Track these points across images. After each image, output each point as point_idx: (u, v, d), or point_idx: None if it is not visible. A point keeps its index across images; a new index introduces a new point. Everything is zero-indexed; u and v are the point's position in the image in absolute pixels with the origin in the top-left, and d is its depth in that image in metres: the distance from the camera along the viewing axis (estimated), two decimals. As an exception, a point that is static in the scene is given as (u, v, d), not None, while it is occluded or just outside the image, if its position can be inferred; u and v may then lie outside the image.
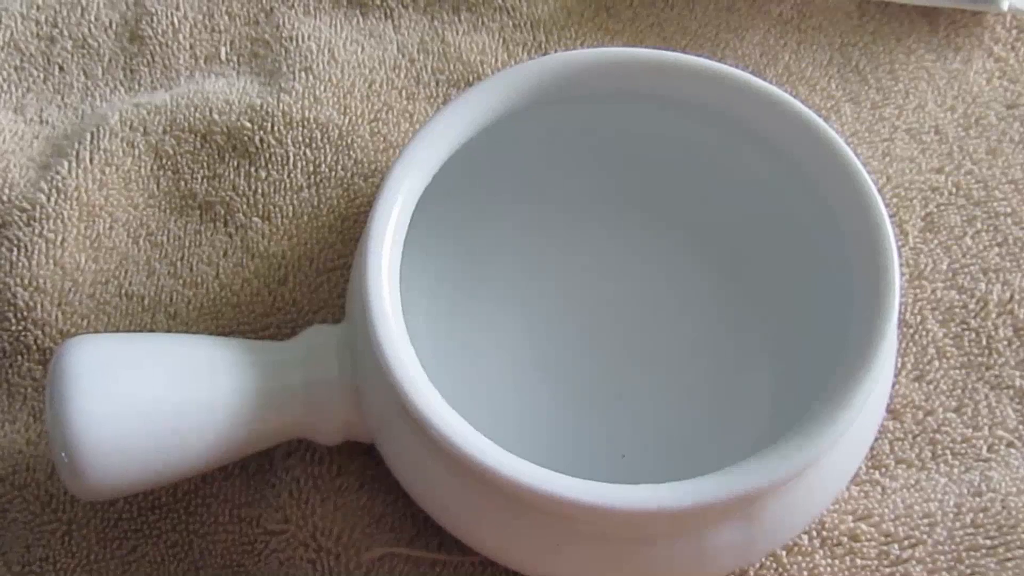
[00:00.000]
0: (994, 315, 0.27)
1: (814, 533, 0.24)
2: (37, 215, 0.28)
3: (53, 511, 0.25)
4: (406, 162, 0.23)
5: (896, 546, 0.24)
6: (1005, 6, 0.30)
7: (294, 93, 0.30)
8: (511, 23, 0.31)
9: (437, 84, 0.30)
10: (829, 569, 0.23)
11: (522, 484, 0.20)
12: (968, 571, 0.23)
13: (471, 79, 0.30)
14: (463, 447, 0.20)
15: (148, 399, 0.22)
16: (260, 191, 0.29)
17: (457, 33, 0.31)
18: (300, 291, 0.27)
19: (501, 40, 0.31)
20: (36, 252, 0.28)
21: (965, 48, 0.31)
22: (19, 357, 0.27)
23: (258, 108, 0.29)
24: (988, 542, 0.23)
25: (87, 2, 0.32)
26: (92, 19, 0.32)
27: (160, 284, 0.28)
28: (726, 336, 0.26)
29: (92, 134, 0.29)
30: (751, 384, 0.25)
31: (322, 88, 0.30)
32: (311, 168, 0.29)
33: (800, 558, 0.24)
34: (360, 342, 0.23)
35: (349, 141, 0.29)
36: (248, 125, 0.29)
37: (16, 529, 0.25)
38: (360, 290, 0.22)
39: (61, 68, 0.32)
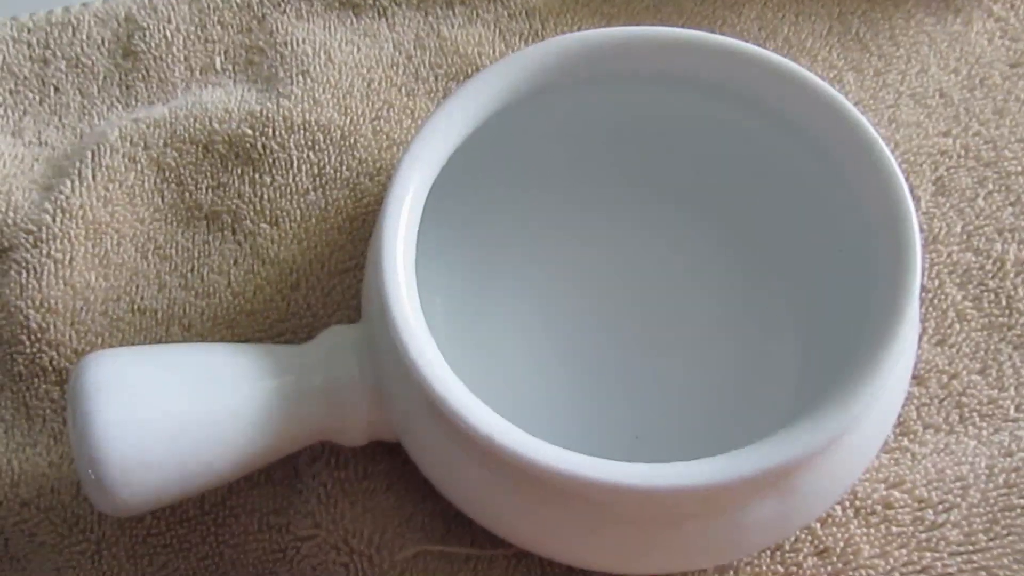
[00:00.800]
0: (1012, 275, 0.27)
1: (847, 503, 0.24)
2: (44, 236, 0.28)
3: (81, 531, 0.25)
4: (413, 157, 0.23)
5: (931, 511, 0.23)
6: None
7: (293, 97, 0.30)
8: (506, 13, 0.31)
9: (436, 79, 0.30)
10: (865, 538, 0.23)
11: (558, 470, 0.20)
12: (1005, 532, 0.23)
13: (470, 71, 0.30)
14: (495, 437, 0.20)
15: (170, 410, 0.22)
16: (266, 197, 0.28)
17: (452, 27, 0.31)
18: (313, 295, 0.27)
19: (497, 31, 0.31)
20: (45, 273, 0.27)
21: (965, 9, 0.31)
22: (35, 379, 0.27)
23: (258, 114, 0.29)
24: (1022, 501, 0.23)
25: (78, 21, 0.32)
26: (84, 38, 0.32)
27: (172, 297, 0.28)
28: (747, 313, 0.26)
29: (93, 152, 0.29)
30: (776, 359, 0.25)
31: (321, 90, 0.30)
32: (316, 171, 0.29)
33: (835, 529, 0.23)
34: (380, 340, 0.23)
35: (352, 141, 0.29)
36: (249, 132, 0.29)
37: (45, 552, 0.25)
38: (377, 288, 0.22)
39: (57, 89, 0.31)
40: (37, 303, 0.27)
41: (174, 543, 0.25)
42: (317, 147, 0.29)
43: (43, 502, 0.25)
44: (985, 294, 0.27)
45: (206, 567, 0.25)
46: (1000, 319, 0.26)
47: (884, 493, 0.24)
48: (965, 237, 0.27)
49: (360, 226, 0.28)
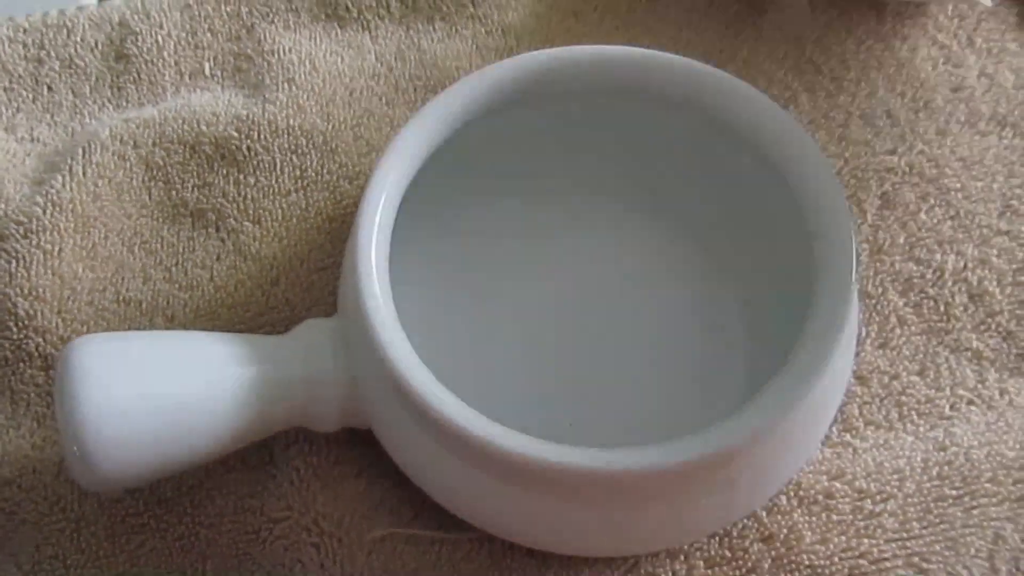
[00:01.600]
0: (950, 283, 0.28)
1: (791, 493, 0.25)
2: (34, 227, 0.29)
3: (61, 510, 0.26)
4: (389, 161, 0.25)
5: (869, 501, 0.25)
6: None
7: (278, 103, 0.31)
8: (483, 30, 0.33)
9: (415, 90, 0.32)
10: (807, 525, 0.25)
11: (514, 452, 0.21)
12: (937, 520, 0.25)
13: (447, 84, 0.31)
14: (456, 420, 0.21)
15: (153, 392, 0.23)
16: (249, 197, 0.30)
17: (432, 41, 0.33)
18: (293, 290, 0.28)
19: (474, 46, 0.32)
20: (34, 263, 0.29)
21: (911, 37, 0.32)
22: (21, 364, 0.28)
23: (244, 118, 0.30)
24: (954, 492, 0.25)
25: (73, 24, 0.33)
26: (78, 40, 0.33)
27: (156, 289, 0.29)
28: (700, 311, 0.27)
29: (84, 149, 0.30)
30: (726, 357, 0.26)
31: (305, 97, 0.31)
32: (298, 173, 0.30)
33: (779, 517, 0.25)
34: (354, 331, 0.24)
35: (333, 146, 0.30)
36: (235, 134, 0.30)
37: (25, 530, 0.26)
38: (352, 282, 0.23)
39: (50, 88, 0.33)
40: (25, 291, 0.28)
41: (151, 523, 0.26)
42: (300, 151, 0.30)
43: (25, 481, 0.26)
44: (925, 301, 0.28)
45: (182, 546, 0.26)
46: (939, 324, 0.28)
47: (826, 484, 0.25)
48: (908, 248, 0.29)
49: (339, 226, 0.29)
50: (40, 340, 0.28)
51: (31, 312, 0.28)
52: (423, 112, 0.25)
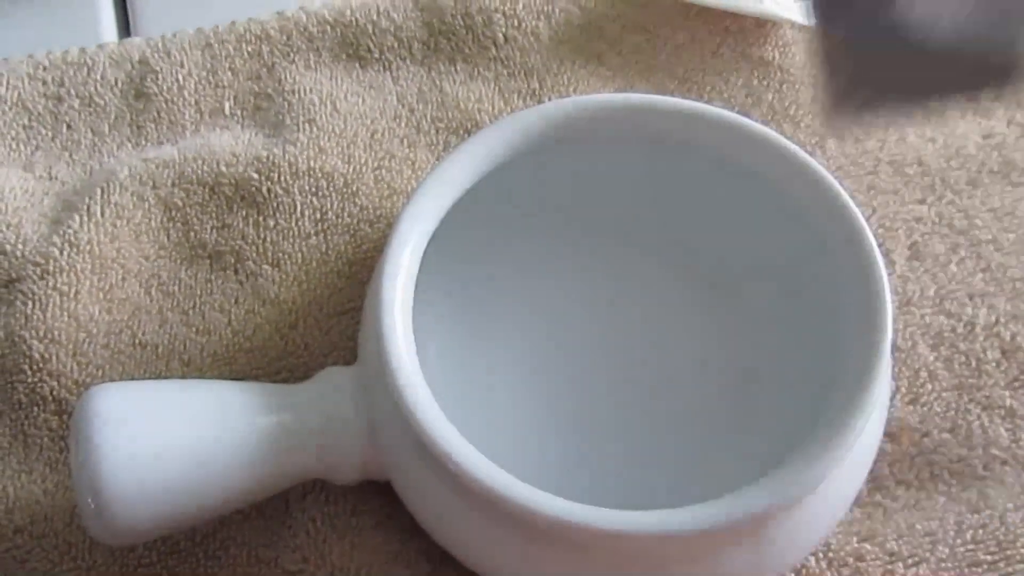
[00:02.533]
0: (981, 338, 0.28)
1: (820, 555, 0.25)
2: (51, 269, 0.29)
3: (72, 559, 0.26)
4: (415, 208, 0.24)
5: (900, 564, 0.24)
6: None
7: (299, 144, 0.31)
8: (506, 72, 0.32)
9: (437, 132, 0.31)
10: (837, 589, 0.24)
11: (539, 513, 0.21)
12: (971, 586, 0.24)
13: (469, 126, 0.31)
14: (482, 479, 0.21)
15: (170, 444, 0.23)
16: (269, 239, 0.29)
17: (454, 83, 0.32)
18: (311, 335, 0.28)
19: (497, 88, 0.32)
20: (50, 305, 0.28)
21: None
22: (35, 408, 0.27)
23: (264, 159, 0.30)
24: (988, 557, 0.24)
25: (93, 62, 0.33)
26: (98, 78, 0.33)
27: (173, 332, 0.28)
28: (727, 364, 0.27)
29: (102, 189, 0.30)
30: (754, 410, 0.26)
31: (326, 138, 0.31)
32: (318, 216, 0.30)
33: (808, 580, 0.24)
34: (375, 382, 0.24)
35: (354, 189, 0.30)
36: (255, 176, 0.30)
37: (35, 579, 0.26)
38: (374, 332, 0.23)
39: (69, 126, 0.33)
40: (41, 333, 0.28)
41: (164, 573, 0.26)
42: (320, 193, 0.30)
43: (36, 529, 0.26)
44: (956, 355, 0.28)
45: (195, 598, 0.25)
46: (970, 380, 0.27)
47: (856, 546, 0.25)
48: (938, 300, 0.29)
49: (359, 271, 0.29)
50: (55, 384, 0.28)
51: (46, 355, 0.28)
52: (449, 159, 0.25)
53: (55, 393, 0.27)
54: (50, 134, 0.32)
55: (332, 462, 0.24)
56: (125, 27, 0.36)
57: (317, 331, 0.28)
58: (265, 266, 0.29)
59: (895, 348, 0.28)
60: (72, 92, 0.33)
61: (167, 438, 0.23)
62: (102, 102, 0.33)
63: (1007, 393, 0.27)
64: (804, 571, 0.24)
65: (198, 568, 0.26)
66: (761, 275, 0.27)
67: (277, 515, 0.26)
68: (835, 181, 0.24)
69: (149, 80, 0.33)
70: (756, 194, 0.25)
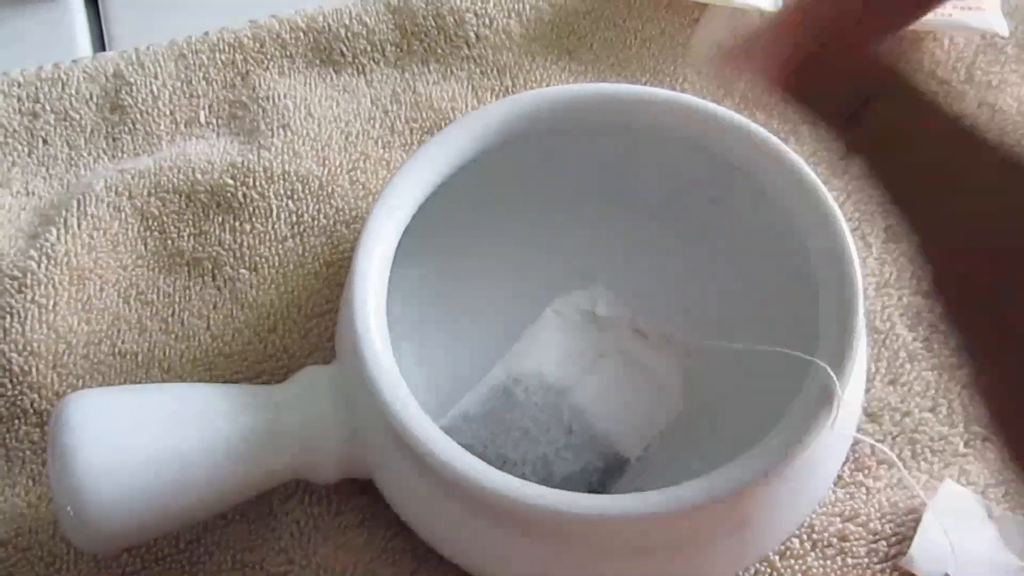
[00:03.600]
0: (960, 316, 0.28)
1: (804, 536, 0.25)
2: (28, 282, 0.29)
3: (57, 570, 0.26)
4: (385, 206, 0.24)
5: (884, 543, 0.24)
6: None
7: (273, 149, 0.31)
8: (479, 71, 0.33)
9: (411, 132, 0.31)
10: (821, 570, 0.24)
11: (519, 501, 0.21)
12: (956, 563, 0.24)
13: (443, 125, 0.31)
14: (461, 471, 0.21)
15: (150, 448, 0.23)
16: (246, 244, 0.29)
17: (428, 83, 0.32)
18: (290, 337, 0.28)
19: (470, 87, 0.32)
20: (29, 317, 0.28)
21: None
22: (16, 421, 0.27)
23: (239, 165, 0.30)
24: (972, 532, 0.24)
25: (68, 77, 0.33)
26: (73, 92, 0.33)
27: (152, 340, 0.28)
28: (701, 354, 0.27)
29: (79, 201, 0.30)
30: (730, 400, 0.26)
31: (300, 143, 0.31)
32: (294, 219, 0.30)
33: (792, 561, 0.24)
34: (354, 379, 0.24)
35: (329, 191, 0.30)
36: (230, 182, 0.30)
37: (21, 592, 0.25)
38: (350, 328, 0.23)
39: (45, 141, 0.33)
40: (20, 347, 0.28)
41: (149, 581, 0.25)
42: (296, 196, 0.30)
43: (21, 542, 0.26)
44: (935, 335, 0.28)
45: (181, 605, 0.25)
46: (950, 359, 0.27)
47: (840, 526, 0.25)
48: (915, 281, 0.28)
49: (336, 272, 0.29)
50: (35, 396, 0.27)
51: (26, 368, 0.28)
52: (418, 155, 0.25)
53: (35, 405, 0.27)
54: (26, 150, 0.32)
55: (313, 461, 0.24)
56: (100, 42, 0.36)
57: (296, 333, 0.28)
58: (243, 270, 0.29)
59: (873, 329, 0.28)
60: (47, 107, 0.33)
61: (146, 443, 0.23)
62: (77, 116, 0.33)
63: (987, 370, 0.27)
64: (788, 552, 0.24)
65: (183, 574, 0.25)
66: (736, 258, 0.27)
67: (260, 518, 0.26)
68: (807, 166, 0.24)
69: (124, 93, 0.33)
70: (727, 178, 0.26)
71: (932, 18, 0.31)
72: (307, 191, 0.30)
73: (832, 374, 0.21)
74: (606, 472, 0.24)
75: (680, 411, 0.25)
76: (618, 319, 0.26)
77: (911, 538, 0.24)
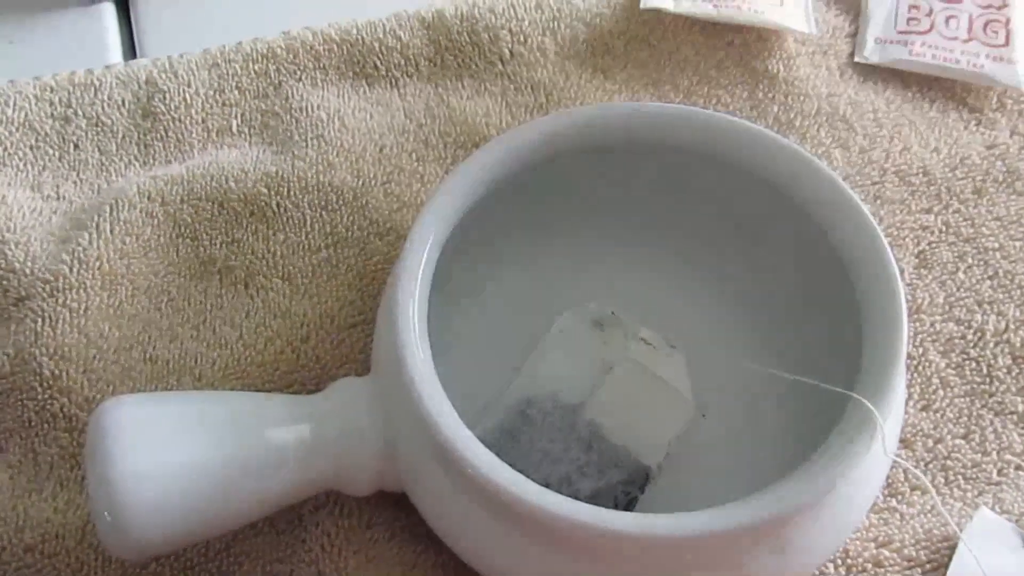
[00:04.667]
0: (992, 344, 0.28)
1: (839, 562, 0.24)
2: (60, 286, 0.29)
3: (84, 577, 0.25)
4: (428, 218, 0.24)
5: (919, 570, 0.24)
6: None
7: (307, 159, 0.31)
8: (512, 87, 0.33)
9: (445, 146, 0.32)
10: (857, 595, 0.24)
11: (559, 515, 0.20)
12: (990, 591, 0.24)
13: (477, 140, 0.31)
14: (498, 482, 0.21)
15: (187, 455, 0.22)
16: (279, 253, 0.29)
17: (461, 98, 0.33)
18: (323, 348, 0.28)
19: (504, 103, 0.32)
20: (60, 322, 0.28)
21: (939, 100, 0.33)
22: (45, 426, 0.27)
23: (273, 175, 0.30)
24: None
25: (100, 83, 0.33)
26: (105, 98, 0.33)
27: (184, 348, 0.28)
28: (739, 375, 0.27)
29: (111, 206, 0.30)
30: (766, 422, 0.26)
31: (334, 154, 0.31)
32: (328, 229, 0.30)
33: (828, 586, 0.24)
34: (392, 392, 0.23)
35: (364, 202, 0.30)
36: (264, 191, 0.30)
37: (46, 598, 0.25)
38: (392, 341, 0.23)
39: (76, 146, 0.33)
40: (51, 351, 0.28)
41: (177, 590, 0.25)
42: (330, 207, 0.30)
43: (48, 548, 0.26)
44: (967, 362, 0.28)
45: (208, 615, 0.25)
46: (982, 386, 0.28)
47: (874, 552, 0.25)
48: (947, 308, 0.29)
49: (370, 283, 0.29)
50: (65, 400, 0.27)
51: (56, 372, 0.28)
52: (461, 168, 0.25)
53: (65, 410, 0.27)
54: (57, 154, 0.32)
55: (348, 473, 0.24)
56: (131, 50, 0.36)
57: (328, 344, 0.28)
58: (276, 280, 0.29)
59: (907, 356, 0.28)
60: (79, 112, 0.33)
61: (184, 449, 0.22)
62: (109, 122, 0.33)
63: (1019, 399, 0.27)
64: (824, 577, 0.24)
65: (211, 584, 0.25)
66: (777, 283, 0.27)
67: (290, 529, 0.26)
68: (855, 195, 0.24)
69: (156, 100, 0.33)
70: (768, 200, 0.26)
71: (963, 68, 0.32)
72: (341, 202, 0.30)
73: (873, 408, 0.21)
74: (630, 483, 0.24)
75: (693, 414, 0.25)
76: (622, 328, 0.26)
77: (946, 565, 0.24)
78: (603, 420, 0.25)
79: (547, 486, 0.21)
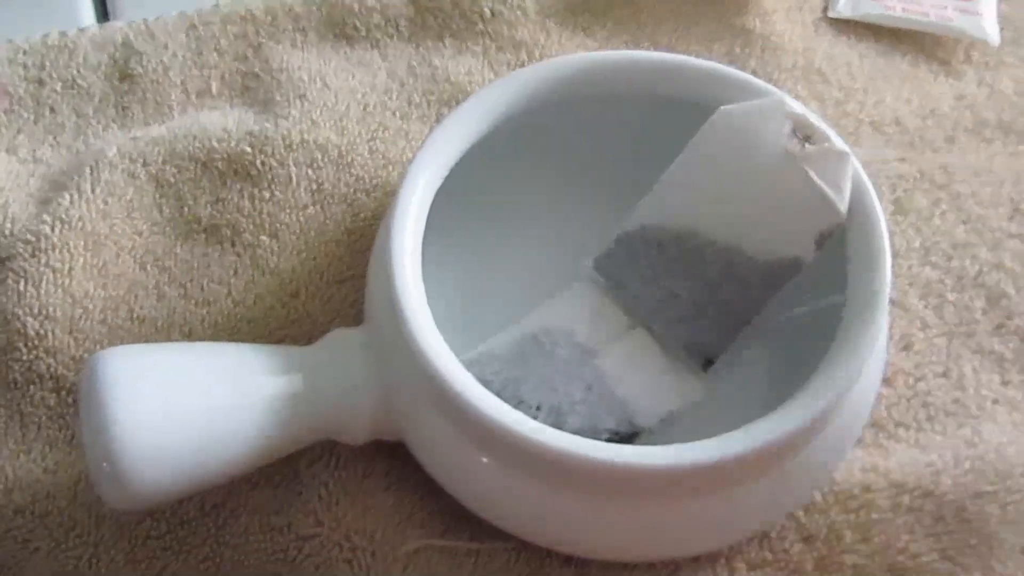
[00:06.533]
0: (968, 286, 0.29)
1: (827, 490, 0.25)
2: (42, 246, 0.28)
3: (78, 536, 0.25)
4: (420, 167, 0.24)
5: (907, 496, 0.25)
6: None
7: (291, 118, 0.31)
8: (494, 46, 0.33)
9: (429, 104, 0.32)
10: (846, 524, 0.25)
11: (559, 450, 0.21)
12: (972, 517, 0.25)
13: (461, 98, 0.32)
14: (500, 420, 0.21)
15: (183, 403, 0.22)
16: (265, 211, 0.29)
17: (443, 57, 0.33)
18: (313, 303, 0.28)
19: (486, 62, 0.33)
20: (44, 282, 0.28)
21: (911, 53, 0.33)
22: (31, 387, 0.27)
23: (257, 134, 0.30)
24: (990, 488, 0.25)
25: (75, 45, 0.33)
26: (80, 61, 0.33)
27: (172, 306, 0.28)
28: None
29: (91, 167, 0.30)
30: (747, 361, 0.26)
31: (318, 112, 0.31)
32: (314, 187, 0.30)
33: (817, 516, 0.25)
34: (387, 339, 0.24)
35: (349, 160, 0.30)
36: (248, 150, 0.30)
37: (39, 559, 0.25)
38: (387, 287, 0.23)
39: (52, 109, 0.32)
40: (35, 311, 0.27)
41: (174, 545, 0.25)
42: (315, 165, 0.30)
43: (38, 508, 0.25)
44: (945, 304, 0.29)
45: (206, 569, 0.25)
46: (959, 328, 0.28)
47: (861, 476, 0.25)
48: (924, 252, 0.29)
49: (359, 239, 0.29)
50: (51, 361, 0.27)
51: (41, 332, 0.27)
52: (448, 120, 0.25)
53: (52, 370, 0.27)
54: (32, 117, 0.32)
55: (344, 422, 0.24)
56: (103, 15, 0.36)
57: (319, 299, 0.28)
58: (263, 237, 0.29)
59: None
60: (54, 75, 0.33)
61: (180, 397, 0.22)
62: (85, 84, 0.33)
63: (995, 338, 0.28)
64: (813, 507, 0.25)
65: (208, 538, 0.25)
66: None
67: (287, 482, 0.26)
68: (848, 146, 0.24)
69: (133, 62, 0.33)
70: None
71: (931, 20, 0.33)
72: (327, 160, 0.30)
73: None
74: (617, 435, 0.24)
75: (701, 398, 0.25)
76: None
77: (933, 492, 0.25)
78: (610, 371, 0.25)
79: (537, 409, 0.22)
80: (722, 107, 0.24)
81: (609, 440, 0.24)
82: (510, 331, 0.25)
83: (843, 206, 0.23)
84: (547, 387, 0.24)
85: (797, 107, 0.24)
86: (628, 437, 0.24)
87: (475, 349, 0.25)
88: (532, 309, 0.26)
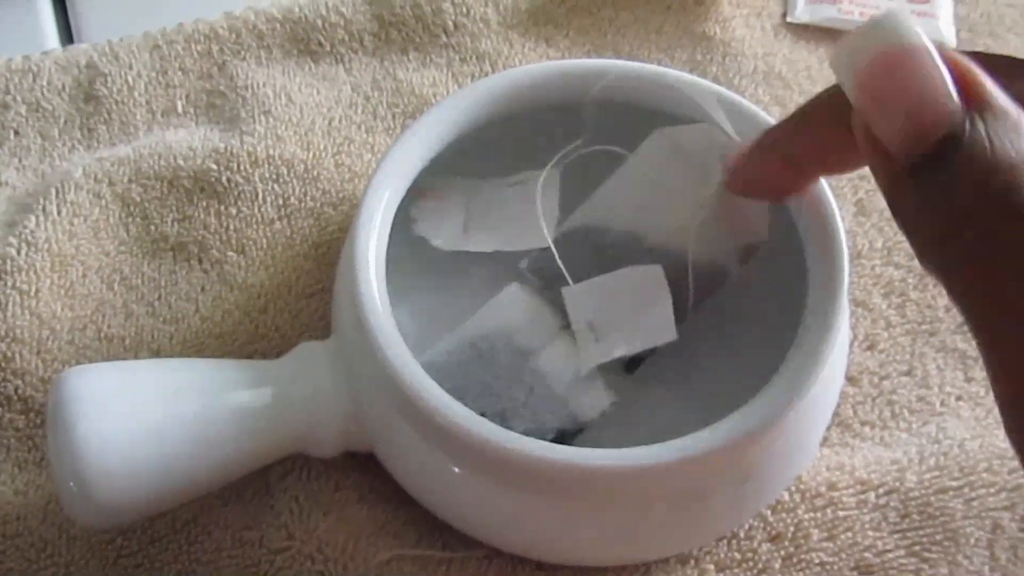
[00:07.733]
0: (931, 285, 0.29)
1: (793, 489, 0.25)
2: (8, 268, 0.28)
3: (49, 556, 0.25)
4: (381, 179, 0.25)
5: (872, 494, 0.25)
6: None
7: (256, 134, 0.31)
8: (458, 58, 0.33)
9: (394, 117, 0.32)
10: (813, 522, 0.25)
11: (525, 454, 0.21)
12: (938, 512, 0.25)
13: (426, 110, 0.32)
14: (465, 426, 0.21)
15: (151, 420, 0.22)
16: (232, 227, 0.29)
17: (408, 70, 0.33)
18: (282, 317, 0.28)
19: (450, 73, 0.33)
20: (10, 304, 0.28)
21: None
22: (0, 409, 0.27)
23: (222, 151, 0.30)
24: (954, 483, 0.25)
25: (38, 68, 0.33)
26: (45, 83, 0.33)
27: (140, 324, 0.28)
28: (693, 324, 0.27)
29: (57, 189, 0.30)
30: (707, 363, 0.26)
31: (283, 128, 0.31)
32: (280, 201, 0.30)
33: (784, 515, 0.25)
34: (354, 350, 0.24)
35: (315, 174, 0.30)
36: (214, 167, 0.30)
37: (10, 580, 0.25)
38: (352, 298, 0.23)
39: (16, 132, 0.32)
40: (2, 333, 0.27)
41: (145, 563, 0.25)
42: (281, 180, 0.30)
43: (9, 529, 0.25)
44: (908, 303, 0.29)
45: (178, 586, 0.25)
46: (923, 326, 0.29)
47: (827, 474, 0.26)
48: (886, 252, 0.30)
49: (326, 252, 0.29)
50: (19, 383, 0.27)
51: (8, 354, 0.27)
52: (413, 128, 0.25)
53: (20, 392, 0.27)
54: (-3, 141, 0.32)
55: (313, 433, 0.24)
56: (68, 37, 0.36)
57: (287, 313, 0.28)
58: (230, 253, 0.29)
59: (851, 299, 0.29)
60: (18, 99, 0.33)
61: (147, 415, 0.22)
62: (50, 107, 0.33)
63: (958, 337, 0.28)
64: (780, 507, 0.25)
65: (180, 555, 0.25)
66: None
67: (258, 496, 0.26)
68: None
69: (98, 83, 0.33)
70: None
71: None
72: (292, 174, 0.30)
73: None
74: (562, 432, 0.25)
75: (634, 395, 0.26)
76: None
77: (898, 489, 0.25)
78: (550, 371, 0.25)
79: (483, 416, 0.22)
80: (659, 128, 0.25)
81: (555, 440, 0.25)
82: (448, 340, 0.25)
83: (763, 227, 0.24)
84: (491, 395, 0.24)
85: (729, 130, 0.24)
86: (574, 434, 0.25)
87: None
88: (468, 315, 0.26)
